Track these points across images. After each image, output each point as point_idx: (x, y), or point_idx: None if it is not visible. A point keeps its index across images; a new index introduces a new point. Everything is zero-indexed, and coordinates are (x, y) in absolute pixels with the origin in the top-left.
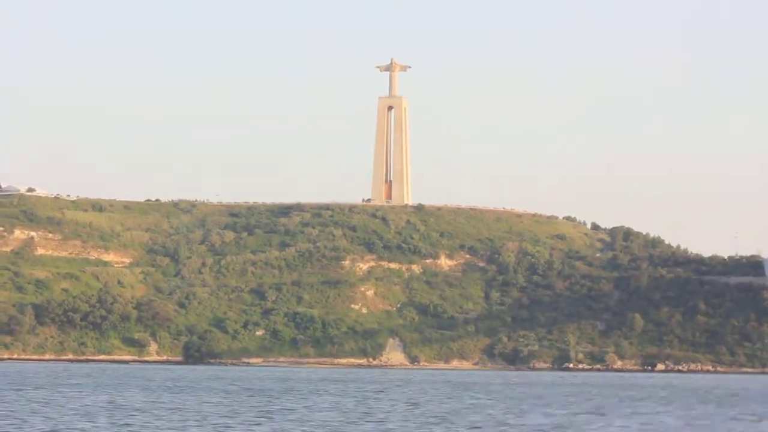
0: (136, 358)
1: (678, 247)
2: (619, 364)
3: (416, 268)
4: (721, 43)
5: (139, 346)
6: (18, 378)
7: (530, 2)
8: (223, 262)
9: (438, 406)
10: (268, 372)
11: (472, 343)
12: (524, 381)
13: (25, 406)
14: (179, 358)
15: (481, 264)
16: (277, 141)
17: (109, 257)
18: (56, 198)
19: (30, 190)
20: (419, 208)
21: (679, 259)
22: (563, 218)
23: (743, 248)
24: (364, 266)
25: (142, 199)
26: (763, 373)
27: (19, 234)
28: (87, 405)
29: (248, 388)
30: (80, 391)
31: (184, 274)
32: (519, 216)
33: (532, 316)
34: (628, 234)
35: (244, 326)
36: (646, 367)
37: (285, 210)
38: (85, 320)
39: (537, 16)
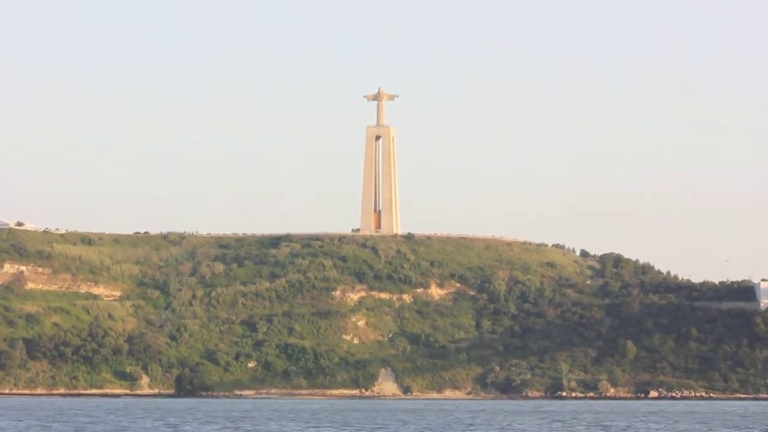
0: (128, 391)
1: (668, 273)
2: (612, 391)
3: (407, 298)
4: (713, 62)
5: (131, 379)
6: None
7: (518, 31)
8: (213, 294)
9: None
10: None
11: (464, 372)
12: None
13: None
14: (171, 391)
15: (472, 293)
16: (265, 172)
17: (99, 291)
18: (45, 232)
19: (19, 224)
20: (409, 238)
21: (670, 285)
22: (552, 246)
23: (734, 273)
24: (354, 296)
25: (131, 232)
26: (757, 399)
27: (9, 268)
28: None
29: None
30: None
31: (174, 307)
32: (509, 244)
33: (524, 344)
34: (618, 261)
35: (236, 358)
36: (639, 394)
37: (275, 241)
38: (76, 354)
39: (523, 45)
